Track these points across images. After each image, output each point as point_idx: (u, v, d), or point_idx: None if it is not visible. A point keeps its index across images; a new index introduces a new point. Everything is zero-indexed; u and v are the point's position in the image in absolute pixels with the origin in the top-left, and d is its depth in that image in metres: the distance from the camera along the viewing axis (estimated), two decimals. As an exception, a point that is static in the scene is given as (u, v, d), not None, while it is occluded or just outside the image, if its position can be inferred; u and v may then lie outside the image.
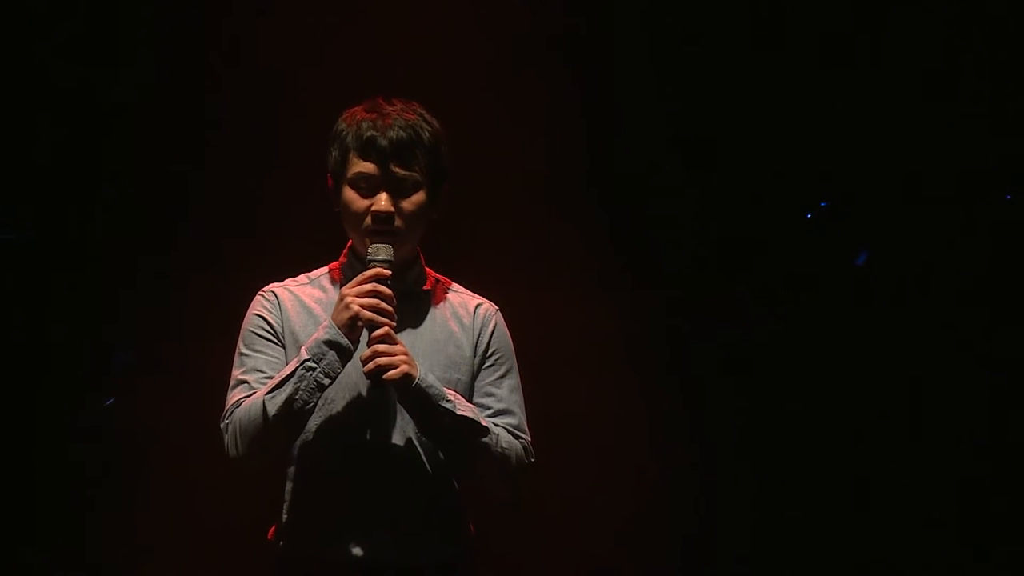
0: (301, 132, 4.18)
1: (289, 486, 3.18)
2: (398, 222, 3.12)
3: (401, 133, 3.11)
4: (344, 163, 3.14)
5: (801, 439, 4.66)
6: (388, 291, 3.05)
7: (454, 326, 3.25)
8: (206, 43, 4.37)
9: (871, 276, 4.66)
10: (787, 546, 4.62)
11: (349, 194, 3.14)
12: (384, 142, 3.10)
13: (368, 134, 3.11)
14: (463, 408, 3.11)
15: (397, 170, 3.11)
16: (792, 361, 4.69)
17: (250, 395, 3.10)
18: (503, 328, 3.31)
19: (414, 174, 3.13)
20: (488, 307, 3.32)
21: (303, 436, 3.14)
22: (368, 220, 3.12)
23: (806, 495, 4.64)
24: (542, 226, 4.58)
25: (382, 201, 3.11)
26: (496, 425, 3.18)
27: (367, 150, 3.11)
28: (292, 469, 3.18)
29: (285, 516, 3.18)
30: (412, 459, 3.15)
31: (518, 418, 3.25)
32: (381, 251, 3.08)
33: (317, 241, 3.55)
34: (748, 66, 4.54)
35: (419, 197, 3.15)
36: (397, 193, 3.12)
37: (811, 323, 4.66)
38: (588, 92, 4.53)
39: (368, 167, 3.11)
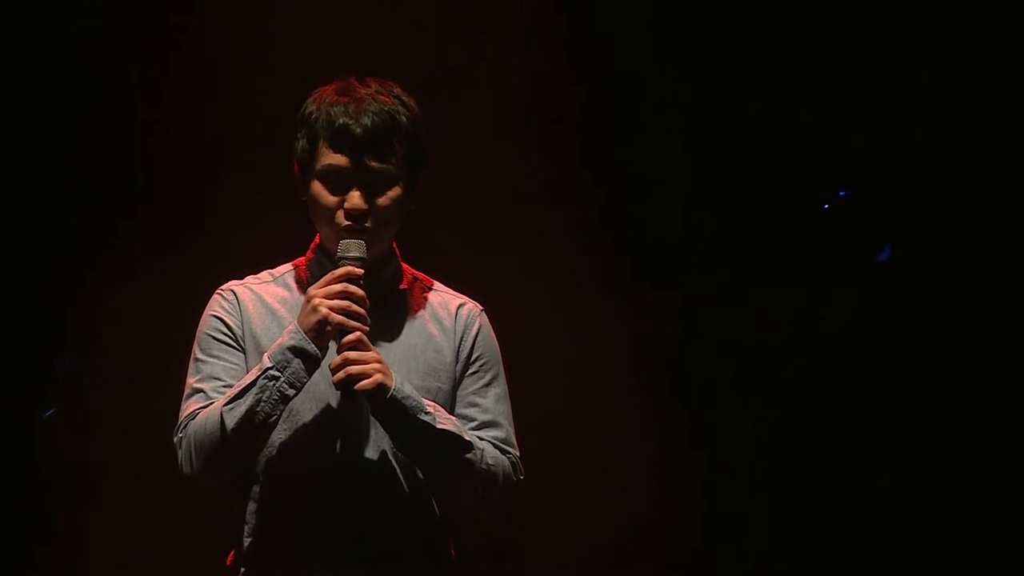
0: (261, 112, 4.12)
1: (251, 506, 2.98)
2: (372, 221, 2.94)
3: (376, 120, 2.91)
4: (313, 153, 2.95)
5: (815, 449, 4.57)
6: (360, 292, 2.86)
7: (433, 329, 3.06)
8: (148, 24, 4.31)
9: (893, 273, 4.58)
10: (798, 565, 4.54)
11: (318, 188, 2.95)
12: (358, 130, 2.90)
13: (340, 121, 2.91)
14: (443, 421, 2.92)
15: (372, 164, 2.92)
16: (806, 365, 4.60)
17: (206, 406, 2.91)
18: (488, 330, 3.12)
19: (390, 167, 2.94)
20: (471, 307, 3.12)
21: (266, 452, 2.95)
22: (339, 217, 2.94)
23: (819, 510, 4.56)
24: (532, 218, 4.47)
25: (355, 199, 2.92)
26: (481, 439, 2.99)
27: (339, 140, 2.91)
28: (253, 488, 2.98)
29: (247, 540, 2.98)
30: (387, 477, 2.96)
31: (505, 430, 3.05)
32: (353, 247, 2.89)
33: (281, 233, 3.39)
34: (757, 52, 4.49)
35: (395, 191, 2.96)
36: (371, 188, 2.93)
37: (827, 324, 4.58)
38: (587, 79, 4.45)
39: (340, 160, 2.92)
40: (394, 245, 3.07)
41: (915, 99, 4.46)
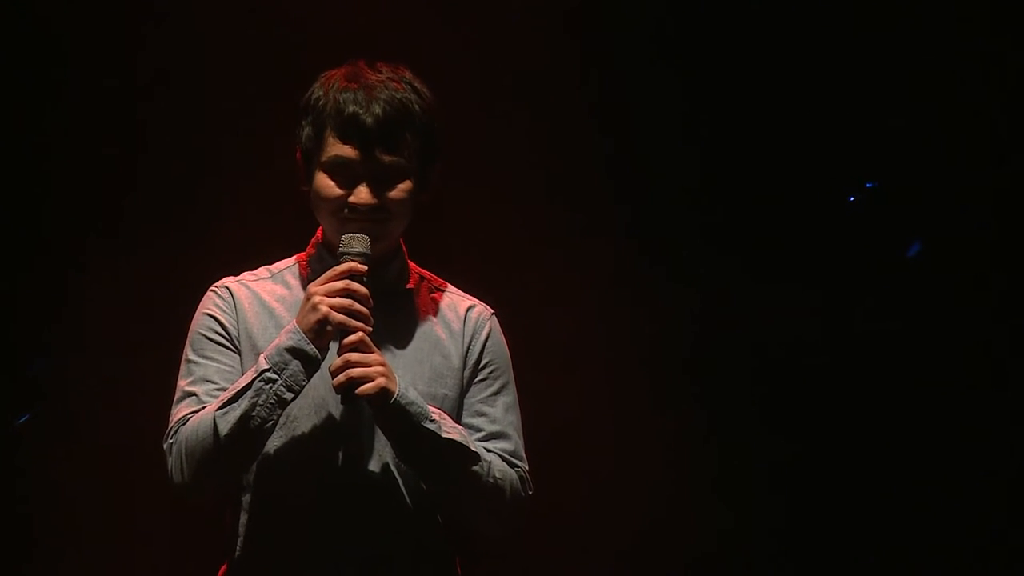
0: (254, 102, 4.06)
1: (243, 518, 2.88)
2: (382, 214, 2.83)
3: (388, 109, 2.80)
4: (319, 142, 2.84)
5: (840, 458, 4.48)
6: (364, 290, 2.75)
7: (441, 332, 2.95)
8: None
9: (925, 270, 4.50)
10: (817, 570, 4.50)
11: (322, 180, 2.84)
12: (369, 120, 2.79)
13: (349, 110, 2.80)
14: (449, 430, 2.80)
15: (383, 157, 2.81)
16: (827, 365, 4.50)
17: (198, 410, 2.80)
18: (499, 336, 3.01)
19: (401, 160, 2.83)
20: (482, 310, 3.01)
21: (261, 461, 2.83)
22: (345, 212, 2.83)
23: (843, 523, 4.47)
24: (544, 217, 4.39)
25: (363, 193, 2.81)
26: (488, 451, 2.88)
27: (347, 131, 2.80)
28: (247, 498, 2.88)
29: (238, 553, 2.88)
30: (389, 489, 2.85)
31: (514, 442, 2.95)
32: (356, 242, 2.78)
33: (279, 226, 3.37)
34: (779, 45, 4.44)
35: (406, 185, 2.84)
36: (380, 183, 2.82)
37: (854, 325, 4.50)
38: (603, 73, 4.38)
39: (348, 151, 2.81)
40: (401, 242, 2.97)
41: (940, 91, 4.41)
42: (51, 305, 4.27)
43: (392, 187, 2.82)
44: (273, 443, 2.81)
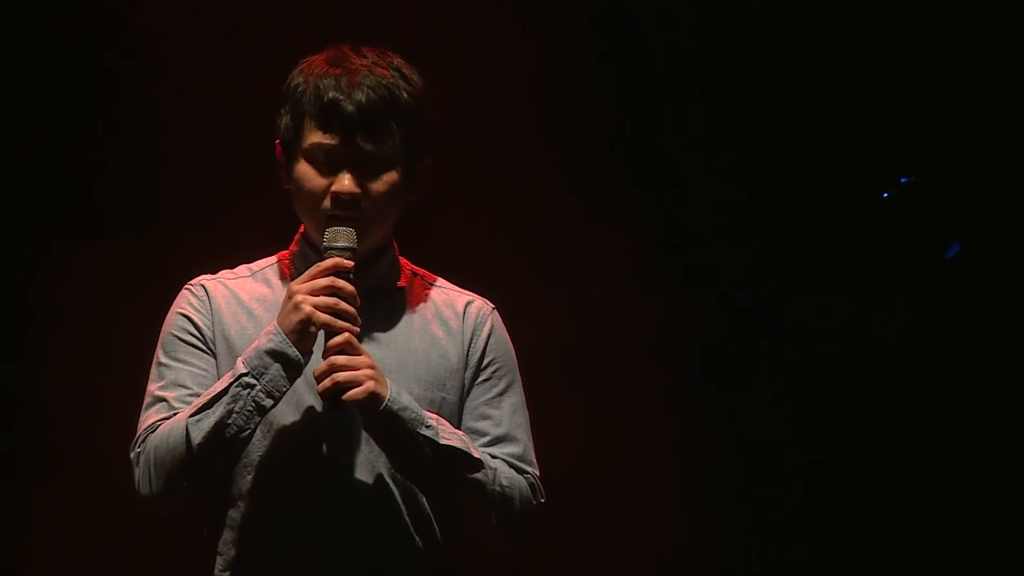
0: (235, 89, 3.97)
1: (226, 535, 2.75)
2: (365, 205, 2.71)
3: (372, 95, 2.69)
4: (298, 132, 2.73)
5: (874, 471, 4.38)
6: (350, 287, 2.63)
7: (437, 330, 2.82)
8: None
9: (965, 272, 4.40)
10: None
11: (304, 170, 2.72)
12: (350, 108, 2.68)
13: (329, 96, 2.69)
14: (448, 436, 2.67)
15: (365, 145, 2.69)
16: (865, 378, 4.40)
17: (169, 417, 2.68)
18: (502, 331, 2.88)
19: (386, 148, 2.71)
20: (482, 305, 2.88)
21: (242, 472, 2.72)
22: (327, 203, 2.70)
23: (879, 539, 4.37)
24: (554, 212, 4.28)
25: (345, 181, 2.69)
26: (494, 457, 2.75)
27: (327, 119, 2.69)
28: (226, 515, 2.74)
29: (218, 574, 2.75)
30: (383, 503, 2.72)
31: (522, 446, 2.81)
32: (341, 236, 2.66)
33: (261, 224, 3.29)
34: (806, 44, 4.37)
35: (391, 176, 2.72)
36: (364, 171, 2.71)
37: (888, 331, 4.40)
38: (621, 68, 4.28)
39: (328, 140, 2.70)
40: (391, 238, 2.85)
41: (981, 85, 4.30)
42: (22, 307, 4.20)
43: (376, 177, 2.70)
44: (255, 454, 2.70)
